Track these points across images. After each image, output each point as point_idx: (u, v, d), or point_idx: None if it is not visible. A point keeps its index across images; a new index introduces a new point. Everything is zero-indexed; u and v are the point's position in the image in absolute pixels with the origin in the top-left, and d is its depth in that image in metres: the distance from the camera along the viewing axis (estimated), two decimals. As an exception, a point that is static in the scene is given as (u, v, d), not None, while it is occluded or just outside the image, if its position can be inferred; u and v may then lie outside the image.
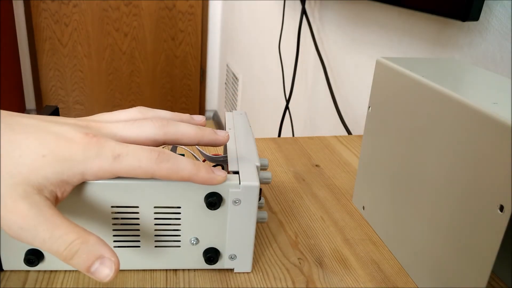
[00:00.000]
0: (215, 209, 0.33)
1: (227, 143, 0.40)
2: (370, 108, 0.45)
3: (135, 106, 2.81)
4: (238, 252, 0.36)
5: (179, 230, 0.35)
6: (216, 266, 0.36)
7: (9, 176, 0.24)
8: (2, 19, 2.28)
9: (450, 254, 0.33)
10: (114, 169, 0.27)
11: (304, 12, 1.07)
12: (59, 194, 0.26)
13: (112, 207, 0.33)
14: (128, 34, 2.67)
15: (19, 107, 2.60)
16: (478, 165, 0.29)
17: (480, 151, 0.29)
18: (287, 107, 1.19)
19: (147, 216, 0.34)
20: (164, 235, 0.35)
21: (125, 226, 0.34)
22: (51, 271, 0.35)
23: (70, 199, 0.32)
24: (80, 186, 0.32)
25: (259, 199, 0.37)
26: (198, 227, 0.35)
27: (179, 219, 0.34)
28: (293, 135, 1.28)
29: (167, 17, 2.68)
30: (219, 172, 0.31)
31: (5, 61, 2.32)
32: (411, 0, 0.64)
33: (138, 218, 0.34)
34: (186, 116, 0.35)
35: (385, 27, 0.82)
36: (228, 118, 0.45)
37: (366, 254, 0.41)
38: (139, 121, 0.31)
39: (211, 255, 0.35)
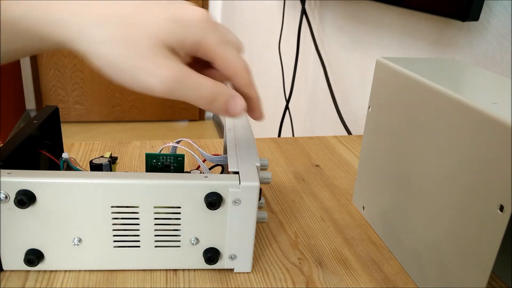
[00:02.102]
0: (215, 209, 0.33)
1: (227, 143, 0.40)
2: (370, 108, 0.45)
3: (135, 106, 2.83)
4: (238, 252, 0.36)
5: (179, 230, 0.35)
6: (216, 266, 0.36)
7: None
8: (2, 19, 2.27)
9: (450, 254, 0.33)
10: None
11: (304, 12, 1.07)
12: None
13: (112, 207, 0.33)
14: (128, 34, 2.67)
15: (19, 107, 2.60)
16: (478, 165, 0.29)
17: (480, 151, 0.29)
18: (287, 107, 1.19)
19: (147, 216, 0.34)
20: (164, 235, 0.35)
21: (125, 226, 0.34)
22: (51, 271, 0.35)
23: (70, 198, 0.32)
24: (80, 186, 0.32)
25: (259, 199, 0.37)
26: (198, 227, 0.35)
27: (179, 219, 0.34)
28: (293, 135, 1.28)
29: (167, 17, 2.68)
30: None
31: (5, 61, 2.31)
32: (411, 0, 0.64)
33: (138, 218, 0.34)
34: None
35: (385, 27, 0.82)
36: (228, 118, 0.45)
37: (366, 254, 0.41)
38: None
39: (211, 255, 0.35)
